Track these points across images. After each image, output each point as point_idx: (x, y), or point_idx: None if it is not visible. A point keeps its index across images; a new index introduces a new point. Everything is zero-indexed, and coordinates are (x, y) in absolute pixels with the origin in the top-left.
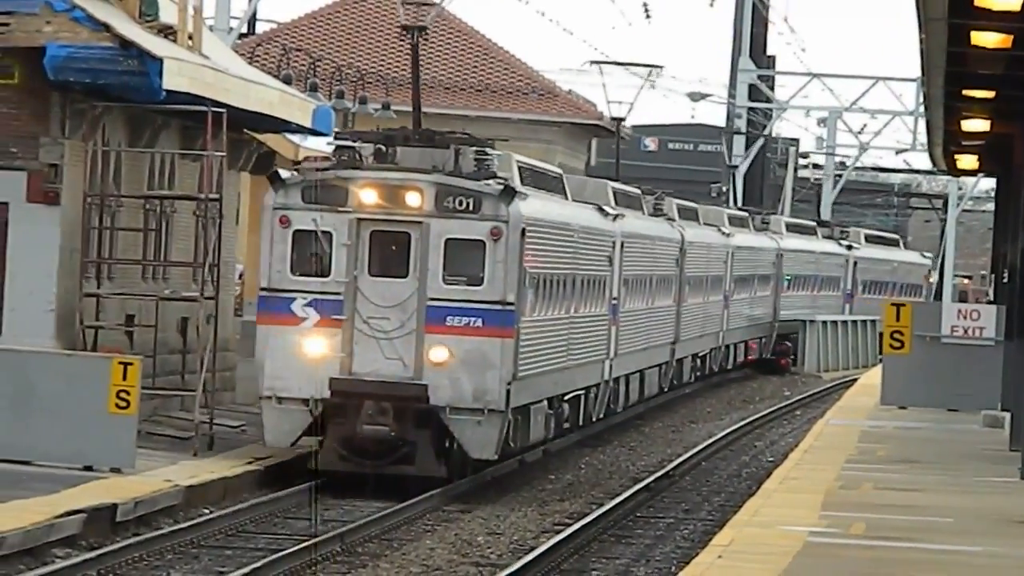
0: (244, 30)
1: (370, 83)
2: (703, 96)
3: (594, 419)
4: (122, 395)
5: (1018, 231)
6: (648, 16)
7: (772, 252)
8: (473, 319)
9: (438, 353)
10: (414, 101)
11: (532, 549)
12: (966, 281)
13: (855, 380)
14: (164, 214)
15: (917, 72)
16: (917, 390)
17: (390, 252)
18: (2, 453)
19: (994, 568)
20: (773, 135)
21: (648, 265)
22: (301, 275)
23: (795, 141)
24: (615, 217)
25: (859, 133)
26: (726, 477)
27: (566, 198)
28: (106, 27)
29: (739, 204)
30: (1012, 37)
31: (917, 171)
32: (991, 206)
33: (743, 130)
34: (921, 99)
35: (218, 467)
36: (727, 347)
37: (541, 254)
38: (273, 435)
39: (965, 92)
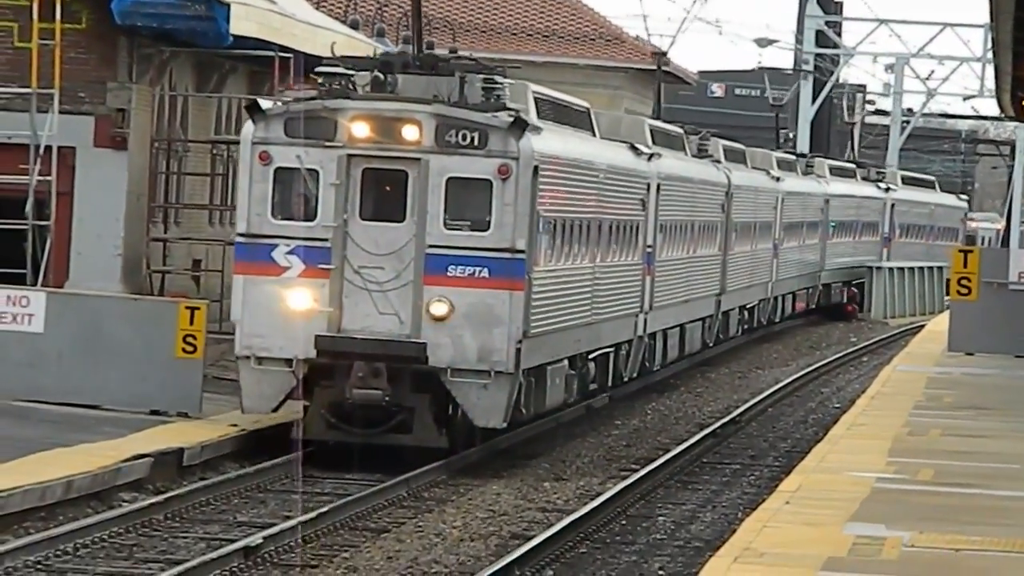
0: None
1: (437, 28)
2: (770, 42)
3: (626, 379)
4: (189, 340)
5: None
6: None
7: (820, 197)
8: (478, 269)
9: (438, 307)
10: (414, 22)
11: (598, 495)
12: None
13: (922, 327)
14: (231, 159)
15: (985, 18)
16: (984, 337)
17: (384, 193)
18: (70, 397)
19: None
20: (840, 81)
21: (689, 210)
22: (283, 219)
23: (862, 87)
24: (650, 157)
25: (926, 79)
26: (793, 423)
27: (593, 134)
28: None
29: (808, 151)
30: None
31: (984, 117)
32: None
33: (810, 74)
34: (989, 45)
35: (281, 412)
36: (776, 298)
37: (558, 196)
38: (252, 400)
39: None
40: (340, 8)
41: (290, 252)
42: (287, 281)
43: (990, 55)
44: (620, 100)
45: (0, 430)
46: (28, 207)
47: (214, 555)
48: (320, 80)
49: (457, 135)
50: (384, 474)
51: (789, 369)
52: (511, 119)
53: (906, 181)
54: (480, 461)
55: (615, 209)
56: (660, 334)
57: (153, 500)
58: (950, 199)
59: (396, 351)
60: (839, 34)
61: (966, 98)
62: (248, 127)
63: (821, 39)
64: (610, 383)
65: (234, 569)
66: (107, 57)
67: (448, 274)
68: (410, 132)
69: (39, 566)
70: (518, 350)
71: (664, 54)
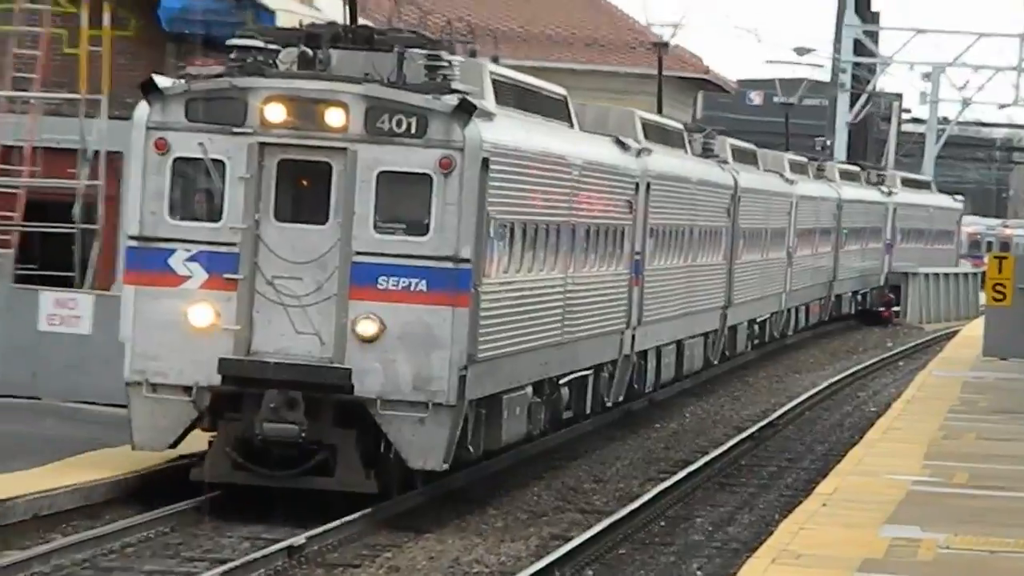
0: None
1: (479, 36)
2: (808, 51)
3: (610, 404)
4: None
5: None
6: None
7: (833, 202)
8: (415, 280)
9: (367, 326)
10: None
11: (637, 497)
12: None
13: (957, 332)
14: None
15: (1020, 28)
16: (1019, 342)
17: (304, 189)
18: (117, 398)
19: None
20: (877, 90)
21: (687, 213)
22: (183, 219)
23: (899, 96)
24: (639, 152)
25: (962, 88)
26: (829, 426)
27: (571, 125)
28: None
29: (846, 158)
30: None
31: (1019, 126)
32: None
33: (848, 85)
34: None
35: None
36: (790, 310)
37: (515, 194)
38: (144, 434)
39: None
40: (384, 16)
41: (190, 259)
42: (187, 293)
43: None
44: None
45: (48, 430)
46: (76, 211)
47: (258, 555)
48: (232, 56)
49: (391, 121)
50: (303, 522)
51: (825, 373)
52: (456, 102)
53: (905, 183)
54: (520, 463)
55: (594, 211)
56: (653, 352)
57: (196, 500)
58: (946, 200)
59: (316, 378)
60: (876, 43)
61: (1001, 106)
62: (142, 109)
63: (859, 48)
64: (588, 410)
65: (278, 568)
66: (155, 63)
67: (379, 287)
68: (335, 117)
69: (85, 564)
70: (462, 378)
71: (666, 44)
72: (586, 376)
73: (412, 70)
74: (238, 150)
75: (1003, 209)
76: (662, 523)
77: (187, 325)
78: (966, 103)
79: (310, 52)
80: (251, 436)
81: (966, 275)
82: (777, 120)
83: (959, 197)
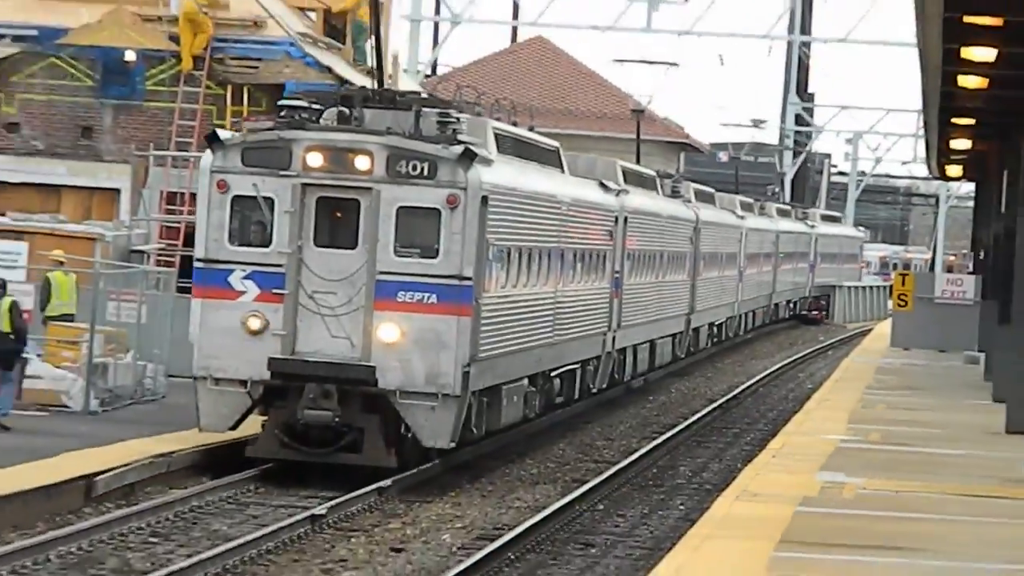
0: (428, 72)
1: (519, 111)
2: (762, 122)
3: (595, 391)
4: None
5: (990, 221)
6: (722, 63)
7: (773, 233)
8: (427, 295)
9: (388, 332)
10: (376, 55)
11: (636, 451)
12: (952, 258)
13: (871, 329)
14: None
15: (918, 105)
16: (917, 336)
17: (337, 221)
18: None
19: (974, 465)
20: (812, 150)
21: (657, 241)
22: (240, 245)
23: (828, 155)
24: (618, 193)
25: (875, 149)
26: (777, 399)
27: (561, 171)
28: (329, 69)
29: (788, 201)
30: (987, 80)
31: (917, 177)
32: (971, 203)
33: (791, 146)
34: (921, 125)
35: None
36: (741, 316)
37: (511, 225)
38: (209, 419)
39: (953, 120)
40: (449, 96)
41: (246, 277)
42: (243, 305)
43: (922, 132)
44: (651, 163)
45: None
46: None
47: (285, 522)
48: (282, 112)
49: (408, 165)
50: (334, 491)
51: (774, 360)
52: (460, 151)
53: (823, 218)
54: (550, 426)
55: (580, 238)
56: (630, 349)
57: (251, 472)
58: (852, 231)
59: (347, 374)
60: (811, 115)
61: (903, 163)
62: (207, 156)
63: (799, 119)
64: (577, 396)
65: (301, 534)
66: None
67: (398, 300)
68: (362, 162)
69: (158, 524)
70: (465, 373)
71: (642, 111)
72: (575, 369)
73: (427, 125)
74: (284, 189)
75: (905, 238)
76: (654, 470)
77: (243, 331)
78: (878, 160)
79: (346, 111)
80: (294, 421)
81: (877, 287)
82: (739, 173)
83: (862, 229)
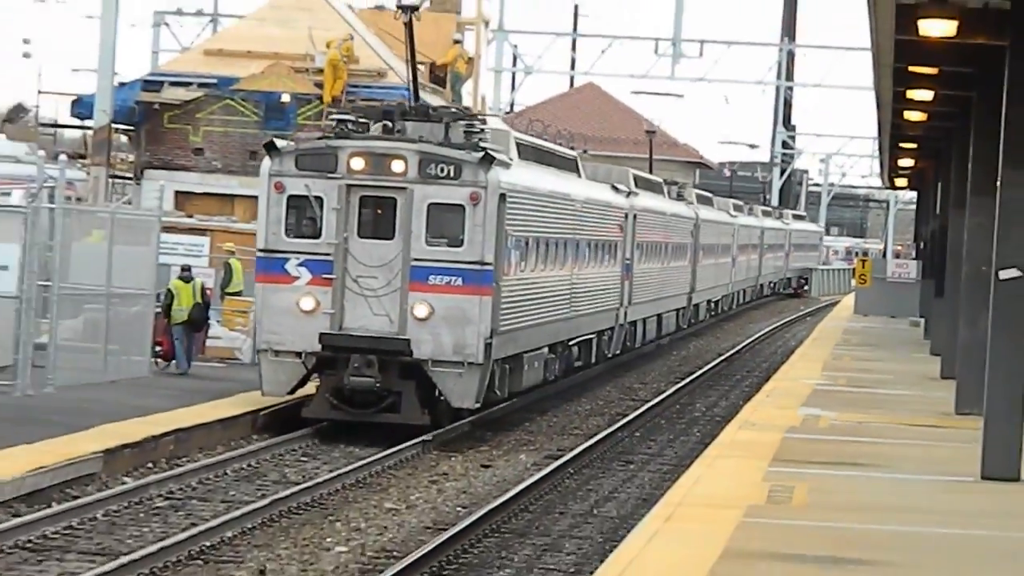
0: (508, 110)
1: (575, 138)
2: (756, 146)
3: (610, 356)
4: None
5: (929, 220)
6: (727, 102)
7: (758, 229)
8: (453, 278)
9: (421, 310)
10: (412, 80)
11: (664, 391)
12: (899, 247)
13: (838, 301)
14: None
15: (875, 132)
16: (874, 306)
17: (377, 215)
18: None
19: (917, 402)
20: (795, 167)
21: (663, 234)
22: (295, 237)
23: (806, 171)
24: (628, 195)
25: (841, 166)
26: (768, 354)
27: (578, 175)
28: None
29: (769, 204)
30: (926, 114)
31: (873, 187)
32: (914, 206)
33: (779, 163)
34: (876, 148)
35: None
36: (734, 294)
37: (528, 218)
38: (270, 385)
39: (900, 144)
40: (522, 128)
41: (300, 264)
42: (298, 288)
43: (878, 153)
44: (673, 177)
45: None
46: None
47: (334, 474)
48: (335, 124)
49: (436, 168)
50: (377, 446)
51: (765, 325)
52: (481, 155)
53: (795, 216)
54: (599, 374)
55: (594, 231)
56: (640, 321)
57: (306, 430)
58: (812, 226)
59: (386, 346)
60: (794, 140)
61: (863, 176)
62: (266, 162)
63: (785, 144)
64: (594, 360)
65: (347, 483)
66: None
67: (429, 282)
68: (398, 166)
69: (226, 474)
70: (488, 344)
71: (654, 132)
72: (591, 339)
73: (456, 134)
74: (332, 189)
75: (864, 233)
76: (678, 407)
77: (298, 310)
78: (843, 175)
79: (389, 123)
80: (342, 386)
81: (843, 269)
82: (740, 184)
83: (820, 224)
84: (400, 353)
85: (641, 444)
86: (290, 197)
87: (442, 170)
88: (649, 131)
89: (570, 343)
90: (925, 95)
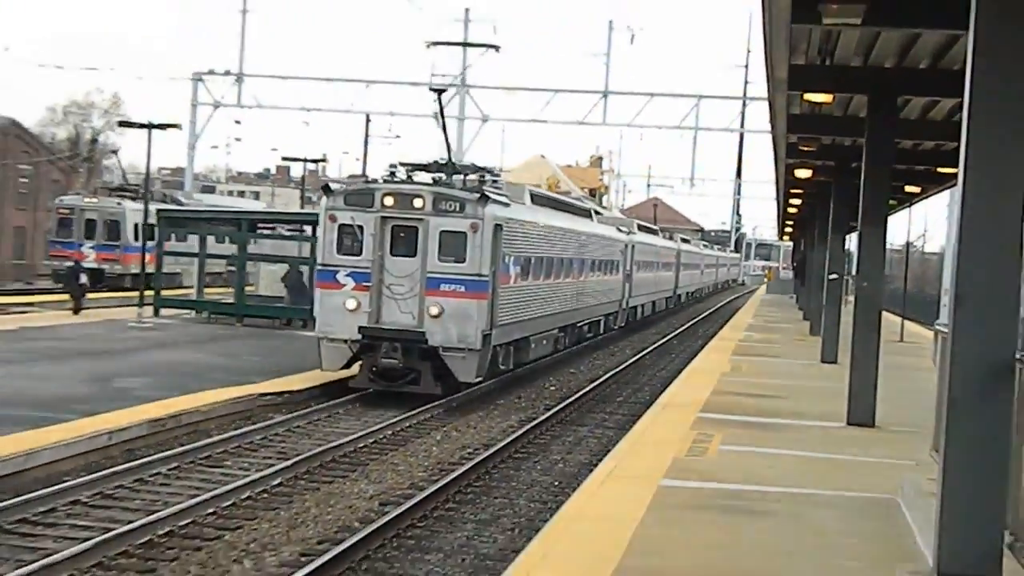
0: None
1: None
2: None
3: (616, 329)
4: None
5: (799, 253)
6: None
7: (715, 257)
8: (458, 286)
9: (434, 309)
10: (446, 146)
11: (655, 344)
12: (785, 265)
13: (757, 289)
14: None
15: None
16: (774, 289)
17: (403, 239)
18: None
19: (796, 345)
20: (742, 231)
21: (654, 258)
22: (343, 255)
23: (745, 232)
24: (628, 232)
25: (761, 230)
26: (723, 314)
27: (590, 219)
28: None
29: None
30: (812, 171)
31: (775, 241)
32: (791, 246)
33: (735, 229)
34: (776, 219)
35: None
36: (703, 287)
37: (521, 242)
38: (327, 363)
39: (790, 201)
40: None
41: (346, 275)
42: (345, 292)
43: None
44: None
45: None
46: None
47: (366, 431)
48: (388, 170)
49: (446, 204)
50: (405, 409)
51: (720, 299)
52: (478, 196)
53: (726, 248)
54: (607, 339)
55: (599, 254)
56: (638, 307)
57: (352, 396)
58: (734, 255)
59: (409, 336)
60: (740, 220)
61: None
62: (324, 200)
63: (738, 222)
64: (603, 332)
65: (379, 439)
66: None
67: (440, 289)
68: (418, 202)
69: (294, 427)
70: (486, 336)
71: (656, 205)
72: (599, 320)
73: (469, 182)
74: (370, 220)
75: (771, 258)
76: (647, 362)
77: (344, 309)
78: (762, 233)
79: (436, 179)
80: (377, 365)
81: (758, 274)
82: (716, 238)
83: (735, 251)
84: (419, 341)
85: (621, 389)
86: (340, 225)
87: (451, 206)
88: (653, 202)
89: (579, 324)
90: (805, 173)
